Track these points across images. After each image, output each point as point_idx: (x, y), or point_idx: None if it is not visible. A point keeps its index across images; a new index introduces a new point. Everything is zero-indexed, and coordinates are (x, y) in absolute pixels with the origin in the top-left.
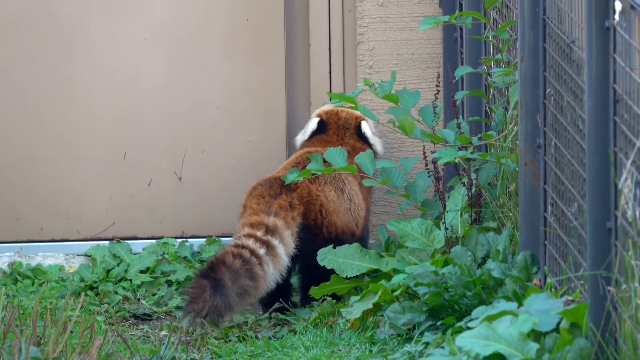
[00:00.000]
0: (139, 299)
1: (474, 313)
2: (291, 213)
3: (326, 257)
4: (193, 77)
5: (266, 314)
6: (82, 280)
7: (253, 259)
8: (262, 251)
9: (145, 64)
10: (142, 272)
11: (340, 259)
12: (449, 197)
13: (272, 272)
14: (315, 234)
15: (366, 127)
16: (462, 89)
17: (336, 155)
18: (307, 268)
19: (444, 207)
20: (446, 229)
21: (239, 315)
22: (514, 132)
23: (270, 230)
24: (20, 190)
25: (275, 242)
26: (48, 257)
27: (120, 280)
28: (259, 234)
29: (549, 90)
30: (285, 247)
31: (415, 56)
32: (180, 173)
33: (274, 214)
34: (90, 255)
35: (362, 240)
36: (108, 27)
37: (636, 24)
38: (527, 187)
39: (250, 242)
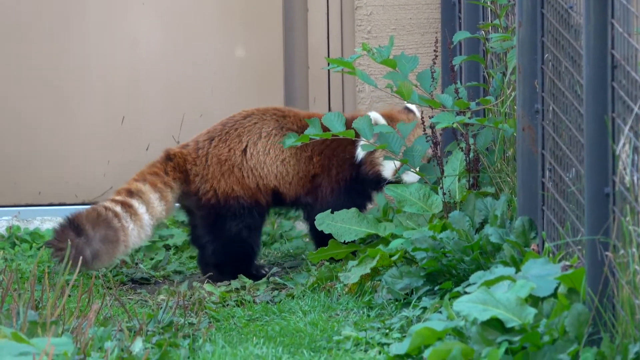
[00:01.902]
0: (136, 263)
1: (472, 278)
2: (163, 179)
3: (324, 221)
4: (191, 41)
5: (264, 279)
6: None
7: (109, 213)
8: (117, 208)
9: (143, 29)
10: None
11: (338, 224)
12: (446, 162)
13: (132, 227)
14: (195, 200)
15: None
16: (460, 54)
17: (334, 120)
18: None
19: (442, 172)
20: (444, 194)
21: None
22: (511, 98)
23: (132, 193)
24: (18, 154)
25: (134, 202)
26: (46, 221)
27: None
28: (118, 197)
29: (547, 55)
30: (148, 207)
31: (414, 21)
32: (178, 137)
33: (142, 181)
34: None
35: (309, 206)
36: None
37: None
38: (525, 153)
39: (107, 203)
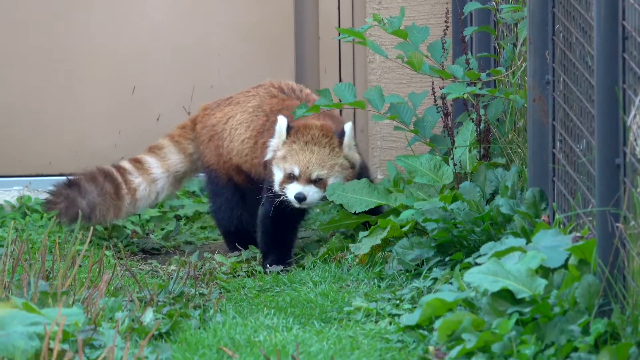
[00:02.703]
0: (147, 234)
1: (483, 249)
2: (186, 132)
3: (334, 192)
4: (201, 11)
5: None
6: None
7: (113, 169)
8: (125, 164)
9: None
10: (150, 207)
11: (348, 194)
12: (457, 132)
13: (140, 180)
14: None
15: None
16: (471, 25)
17: (345, 90)
18: None
19: (453, 142)
20: (455, 164)
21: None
22: (522, 69)
23: (151, 149)
24: (29, 125)
25: (147, 157)
26: None
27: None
28: (137, 156)
29: (557, 26)
30: (162, 161)
31: None
32: (189, 108)
33: (167, 135)
34: None
35: (258, 191)
36: None
37: None
38: (535, 124)
39: (121, 161)
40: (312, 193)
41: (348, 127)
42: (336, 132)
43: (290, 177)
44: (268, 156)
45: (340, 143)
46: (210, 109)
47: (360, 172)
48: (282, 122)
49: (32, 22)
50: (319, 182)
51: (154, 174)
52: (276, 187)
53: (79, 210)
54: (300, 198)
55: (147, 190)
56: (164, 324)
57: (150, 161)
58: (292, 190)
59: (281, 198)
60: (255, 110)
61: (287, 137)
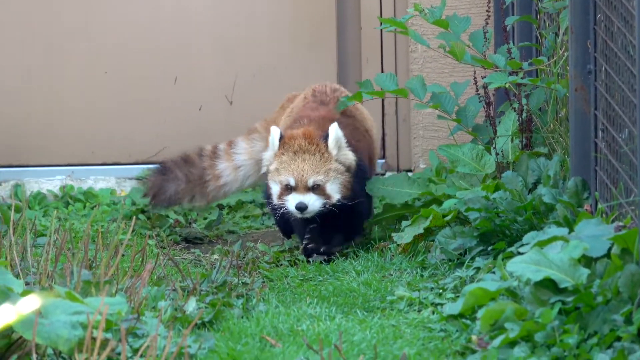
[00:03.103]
0: (190, 223)
1: (525, 238)
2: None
3: (374, 186)
4: (243, 0)
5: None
6: (133, 203)
7: (197, 154)
8: (209, 147)
9: None
10: None
11: (388, 188)
12: (499, 122)
13: (224, 165)
14: None
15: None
16: (513, 15)
17: (386, 80)
18: None
19: (495, 132)
20: (497, 154)
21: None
22: (564, 58)
23: (248, 131)
24: (71, 113)
25: (239, 140)
26: (99, 180)
27: None
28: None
29: (599, 15)
30: (248, 145)
31: None
32: (231, 97)
33: (263, 119)
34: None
35: None
36: None
37: None
38: (577, 113)
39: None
40: (312, 201)
41: (332, 128)
42: (321, 136)
43: (287, 189)
44: (263, 170)
45: (327, 146)
46: (288, 99)
47: (357, 172)
48: (275, 132)
49: (71, 15)
50: (317, 189)
51: (236, 161)
52: (275, 201)
53: (168, 197)
54: (302, 208)
55: (231, 176)
56: (207, 313)
57: (240, 146)
58: (292, 201)
59: (282, 210)
60: (290, 112)
61: (277, 149)
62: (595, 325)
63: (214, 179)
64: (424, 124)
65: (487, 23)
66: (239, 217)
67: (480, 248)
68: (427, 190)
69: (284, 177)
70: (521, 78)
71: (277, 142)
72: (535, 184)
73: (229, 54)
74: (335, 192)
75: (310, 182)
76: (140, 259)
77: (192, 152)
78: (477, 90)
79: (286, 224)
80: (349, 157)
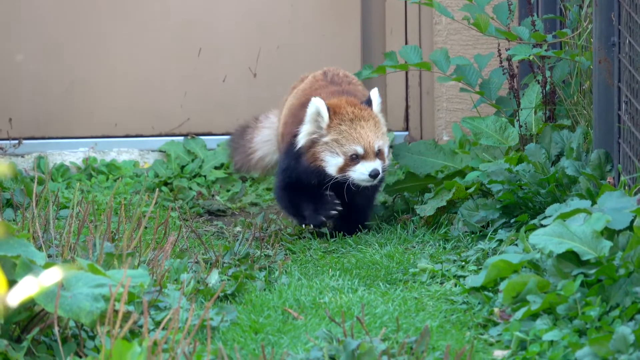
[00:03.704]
0: (213, 195)
1: (548, 211)
2: None
3: (400, 153)
4: None
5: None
6: (156, 176)
7: (252, 122)
8: (260, 117)
9: None
10: (216, 168)
11: (415, 156)
12: (523, 94)
13: (258, 138)
14: None
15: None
16: None
17: (410, 52)
18: None
19: (518, 104)
20: (520, 126)
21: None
22: (588, 30)
23: (281, 102)
24: (94, 85)
25: (270, 112)
26: (122, 152)
27: (194, 176)
28: None
29: None
30: (277, 116)
31: None
32: (255, 69)
33: None
34: (165, 151)
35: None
36: None
37: None
38: (601, 85)
39: None
40: (381, 167)
41: (375, 92)
42: (362, 102)
43: (353, 159)
44: (301, 143)
45: (373, 111)
46: (300, 80)
47: None
48: (320, 103)
49: None
50: (379, 154)
51: (263, 134)
52: (333, 173)
53: (239, 167)
54: (376, 174)
55: (264, 149)
56: (229, 286)
57: (270, 119)
58: (364, 169)
59: (332, 180)
60: (296, 92)
61: (329, 120)
62: (617, 297)
63: (253, 152)
64: (448, 96)
65: None
66: (262, 189)
67: (503, 220)
68: (453, 160)
69: (349, 146)
70: (545, 50)
71: (326, 113)
72: (558, 157)
73: (253, 25)
74: (388, 156)
75: (376, 148)
76: (163, 231)
77: (248, 122)
78: (500, 62)
79: (297, 207)
80: (384, 120)
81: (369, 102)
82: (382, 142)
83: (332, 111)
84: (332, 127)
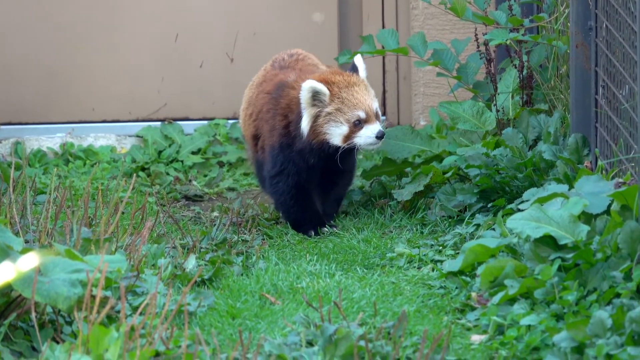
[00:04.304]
0: (190, 180)
1: (525, 195)
2: None
3: None
4: None
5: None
6: (133, 161)
7: None
8: None
9: None
10: (193, 153)
11: (391, 141)
12: (500, 79)
13: None
14: None
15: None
16: None
17: (388, 36)
18: None
19: (496, 89)
20: (497, 110)
21: None
22: (565, 14)
23: None
24: (71, 71)
25: None
26: (100, 137)
27: (171, 162)
28: None
29: None
30: None
31: None
32: (232, 54)
33: None
34: (142, 136)
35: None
36: None
37: None
38: (578, 70)
39: None
40: (382, 127)
41: (359, 58)
42: (348, 70)
43: (357, 124)
44: (309, 124)
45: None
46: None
47: None
48: (312, 84)
49: None
50: (377, 115)
51: None
52: (338, 143)
53: None
54: (382, 135)
55: None
56: (207, 271)
57: None
58: (370, 133)
59: (342, 148)
60: (252, 84)
61: (330, 93)
62: (594, 281)
63: None
64: (425, 81)
65: None
66: (239, 174)
67: (480, 205)
68: (431, 144)
69: (351, 113)
70: (522, 35)
71: (324, 88)
72: (536, 141)
73: (230, 10)
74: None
75: (375, 110)
76: (140, 217)
77: None
78: (478, 47)
79: (305, 210)
80: None
81: (354, 69)
82: (376, 104)
83: (326, 83)
84: (331, 99)
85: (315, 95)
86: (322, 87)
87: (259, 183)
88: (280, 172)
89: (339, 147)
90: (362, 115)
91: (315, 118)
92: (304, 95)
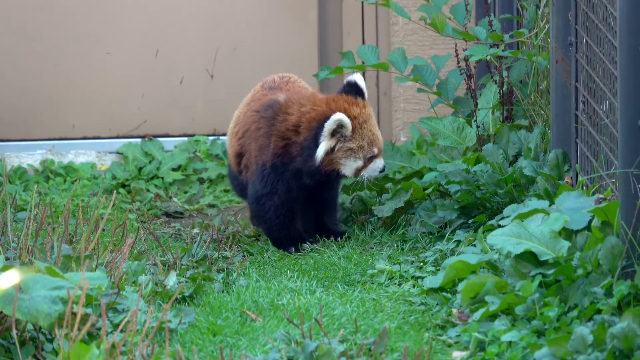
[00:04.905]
0: (170, 197)
1: (506, 211)
2: None
3: None
4: None
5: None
6: (114, 177)
7: None
8: None
9: None
10: (174, 169)
11: None
12: (480, 94)
13: None
14: None
15: None
16: None
17: (368, 52)
18: None
19: (476, 104)
20: (478, 126)
21: None
22: (545, 30)
23: None
24: (51, 87)
25: None
26: (80, 154)
27: (152, 178)
28: None
29: None
30: None
31: None
32: (212, 71)
33: None
34: (122, 153)
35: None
36: None
37: None
38: (558, 85)
39: None
40: None
41: (360, 77)
42: (345, 88)
43: (370, 159)
44: (324, 153)
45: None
46: None
47: None
48: (344, 119)
49: None
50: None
51: None
52: (349, 175)
53: None
54: (384, 168)
55: None
56: (187, 288)
57: None
58: (376, 167)
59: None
60: (247, 102)
61: (352, 128)
62: (575, 298)
63: None
64: (405, 97)
65: None
66: (220, 190)
67: (461, 221)
68: (411, 160)
69: (369, 150)
70: (502, 50)
71: (349, 124)
72: (516, 157)
73: (210, 27)
74: None
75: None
76: (121, 234)
77: None
78: (458, 63)
79: (288, 228)
80: None
81: (359, 92)
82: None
83: (348, 117)
84: (353, 135)
85: (338, 128)
86: (348, 123)
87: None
88: (269, 191)
89: (347, 177)
90: (376, 151)
91: (333, 149)
92: (329, 126)
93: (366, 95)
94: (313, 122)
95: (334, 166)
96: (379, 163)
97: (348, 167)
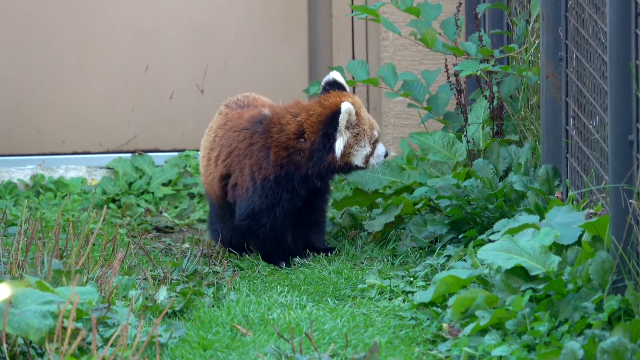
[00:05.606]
0: (161, 212)
1: (496, 226)
2: None
3: None
4: None
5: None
6: (104, 192)
7: None
8: None
9: None
10: (164, 184)
11: (362, 172)
12: (470, 110)
13: None
14: None
15: None
16: (484, 2)
17: (358, 68)
18: None
19: (466, 119)
20: (468, 141)
21: None
22: (535, 45)
23: None
24: (42, 102)
25: None
26: (70, 169)
27: (142, 193)
28: None
29: (570, 2)
30: None
31: None
32: (202, 86)
33: None
34: (113, 168)
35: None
36: None
37: None
38: (548, 100)
39: None
40: None
41: (338, 75)
42: (324, 87)
43: (374, 144)
44: (342, 148)
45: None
46: None
47: None
48: (348, 105)
49: (44, 0)
50: None
51: None
52: (361, 164)
53: None
54: (387, 153)
55: None
56: (178, 302)
57: None
58: (380, 152)
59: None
60: (222, 123)
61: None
62: (566, 312)
63: None
64: (395, 112)
65: (458, 11)
66: None
67: (451, 236)
68: (401, 175)
69: (371, 133)
70: (492, 65)
71: (354, 110)
72: (507, 172)
73: (200, 42)
74: None
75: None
76: (111, 248)
77: None
78: (448, 78)
79: (279, 243)
80: None
81: (340, 87)
82: None
83: (348, 101)
84: (358, 121)
85: (350, 118)
86: (354, 111)
87: (208, 226)
88: (271, 204)
89: (358, 168)
90: (377, 134)
91: (344, 144)
92: (344, 118)
93: (347, 89)
94: (318, 125)
95: (346, 158)
96: (381, 148)
97: (359, 155)
